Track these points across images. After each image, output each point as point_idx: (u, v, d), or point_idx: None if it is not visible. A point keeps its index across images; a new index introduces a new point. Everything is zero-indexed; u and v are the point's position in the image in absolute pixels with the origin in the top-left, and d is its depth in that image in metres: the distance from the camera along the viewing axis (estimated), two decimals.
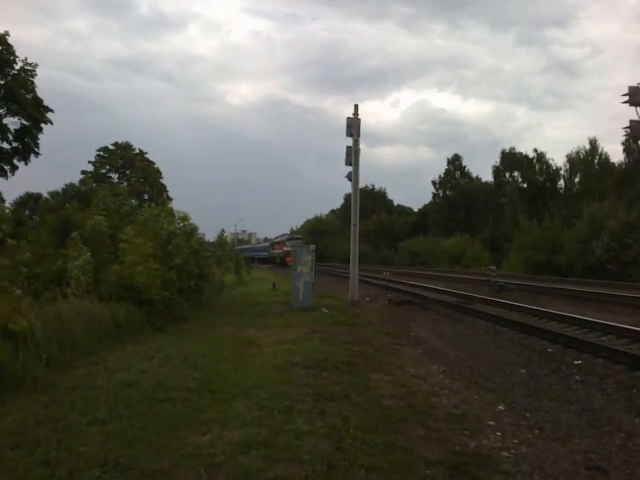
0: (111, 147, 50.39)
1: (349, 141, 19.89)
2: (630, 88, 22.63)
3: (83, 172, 48.63)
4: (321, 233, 76.69)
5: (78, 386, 6.99)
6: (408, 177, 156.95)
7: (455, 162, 73.05)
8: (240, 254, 40.13)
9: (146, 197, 43.98)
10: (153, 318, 12.06)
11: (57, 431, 5.24)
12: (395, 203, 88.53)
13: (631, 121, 22.94)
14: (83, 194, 30.96)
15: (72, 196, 31.79)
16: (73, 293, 10.55)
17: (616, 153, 54.62)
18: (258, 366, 8.23)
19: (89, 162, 49.30)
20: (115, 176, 50.33)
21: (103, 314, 10.28)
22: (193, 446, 4.84)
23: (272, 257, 66.53)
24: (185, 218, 16.95)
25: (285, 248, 53.53)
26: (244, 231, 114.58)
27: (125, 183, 46.93)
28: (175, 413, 5.84)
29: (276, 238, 74.43)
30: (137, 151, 51.23)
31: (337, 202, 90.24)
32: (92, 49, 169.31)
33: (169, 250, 13.95)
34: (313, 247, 18.96)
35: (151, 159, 51.74)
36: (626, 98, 22.72)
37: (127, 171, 50.54)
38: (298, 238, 59.89)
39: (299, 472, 4.30)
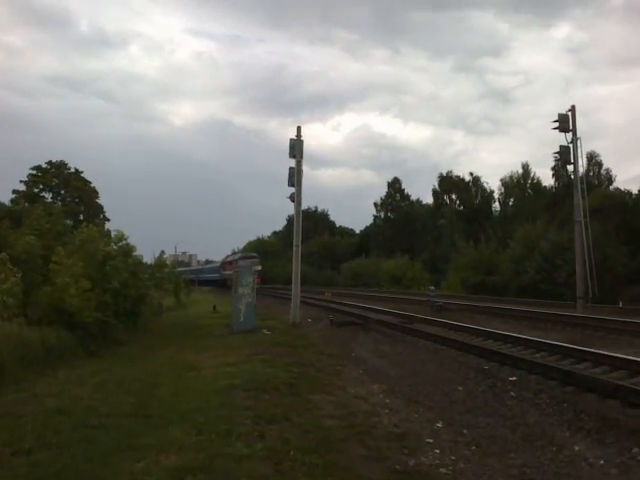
0: (45, 166, 48.64)
1: (292, 162, 20.04)
2: (560, 115, 23.88)
3: (15, 191, 46.65)
4: (263, 255, 76.26)
5: (4, 414, 6.63)
6: (350, 199, 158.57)
7: (395, 185, 74.60)
8: (180, 276, 39.13)
9: (82, 217, 42.60)
10: (87, 342, 11.63)
11: None
12: (337, 224, 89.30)
13: (560, 146, 24.15)
14: (15, 214, 29.68)
15: (3, 216, 30.39)
16: (1, 316, 10.04)
17: (547, 177, 57.13)
18: (197, 390, 8.03)
19: (21, 181, 47.39)
20: (49, 196, 48.53)
21: (33, 338, 9.85)
22: (127, 473, 4.65)
23: (223, 279, 57.78)
24: (121, 238, 16.51)
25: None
26: (184, 253, 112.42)
27: (60, 203, 45.27)
28: (108, 440, 5.60)
29: (227, 257, 66.94)
30: (72, 170, 49.63)
31: (280, 223, 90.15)
32: (27, 65, 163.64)
33: (106, 271, 13.50)
34: (258, 267, 18.81)
35: (88, 179, 50.23)
36: (556, 125, 23.94)
37: (62, 191, 48.84)
38: (253, 256, 52.00)
39: None
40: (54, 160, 49.36)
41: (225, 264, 60.23)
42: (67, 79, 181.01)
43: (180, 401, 7.25)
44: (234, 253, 69.50)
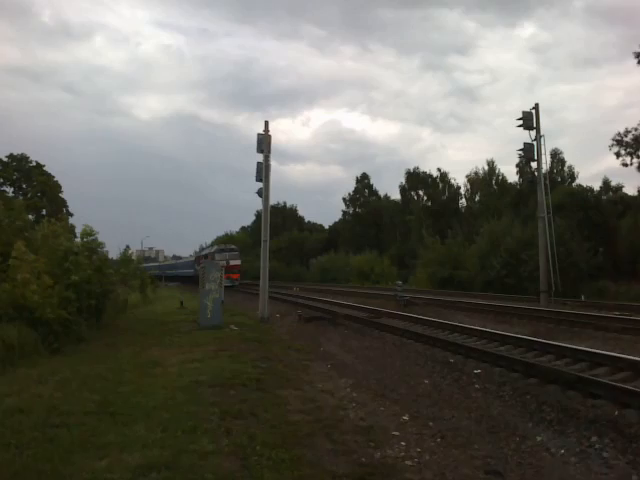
0: (5, 159, 47.38)
1: (260, 157, 19.90)
2: (524, 113, 24.26)
3: None
4: None
5: None
6: (319, 195, 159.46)
7: (364, 180, 75.09)
8: (145, 271, 38.46)
9: (44, 212, 41.64)
10: (49, 339, 11.32)
11: None
12: (306, 220, 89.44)
13: (525, 144, 24.56)
14: None
15: None
16: None
17: (511, 174, 58.24)
18: (162, 387, 7.91)
19: None
20: (10, 190, 47.31)
21: None
22: (89, 472, 4.56)
23: (198, 275, 50.83)
24: (90, 233, 16.16)
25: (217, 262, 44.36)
26: (151, 248, 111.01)
27: (21, 197, 44.16)
28: (70, 438, 5.48)
29: (202, 250, 63.06)
30: (34, 164, 48.47)
31: (248, 219, 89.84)
32: None
33: (66, 267, 13.19)
34: (237, 261, 18.58)
35: (51, 173, 49.14)
36: (520, 122, 24.34)
37: (23, 185, 47.69)
38: (232, 249, 49.03)
39: None
40: (15, 153, 48.15)
41: (200, 258, 54.57)
42: (29, 71, 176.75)
43: (145, 398, 7.14)
44: (210, 245, 65.47)
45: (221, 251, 48.03)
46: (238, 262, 46.63)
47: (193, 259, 60.35)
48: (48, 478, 4.44)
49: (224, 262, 41.43)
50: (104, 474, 4.50)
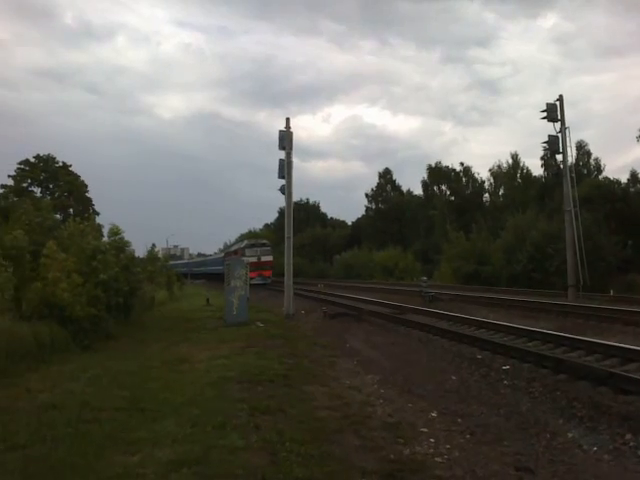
0: (32, 160, 48.21)
1: (282, 154, 19.97)
2: (548, 105, 23.91)
3: (3, 186, 46.25)
4: None
5: None
6: (341, 191, 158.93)
7: (386, 176, 74.69)
8: (171, 269, 38.74)
9: (71, 211, 42.34)
10: (79, 337, 11.56)
11: None
12: (329, 216, 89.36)
13: (549, 136, 24.20)
14: (3, 209, 29.44)
15: None
16: None
17: (536, 167, 57.37)
18: (190, 383, 8.01)
19: (9, 176, 46.97)
20: (38, 190, 48.14)
21: (25, 333, 9.76)
22: (121, 467, 4.62)
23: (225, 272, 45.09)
24: (117, 232, 16.43)
25: (247, 259, 37.12)
26: (176, 246, 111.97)
27: (49, 197, 44.93)
28: (102, 434, 5.57)
29: (231, 246, 60.18)
30: (60, 164, 49.24)
31: (271, 216, 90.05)
32: (12, 57, 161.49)
33: (94, 266, 13.41)
34: (269, 257, 18.50)
35: (76, 172, 49.86)
36: (544, 114, 23.98)
37: (51, 185, 48.48)
38: (263, 244, 45.65)
39: None
40: (42, 154, 48.93)
41: (229, 254, 50.98)
42: (52, 72, 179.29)
43: (174, 394, 7.23)
44: (239, 240, 62.33)
45: (251, 246, 44.97)
46: (270, 258, 43.65)
47: (222, 256, 56.60)
48: (82, 473, 4.52)
49: (255, 258, 40.90)
50: (136, 469, 4.56)
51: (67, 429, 5.72)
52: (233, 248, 53.91)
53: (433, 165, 64.98)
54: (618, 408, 6.32)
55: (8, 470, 4.57)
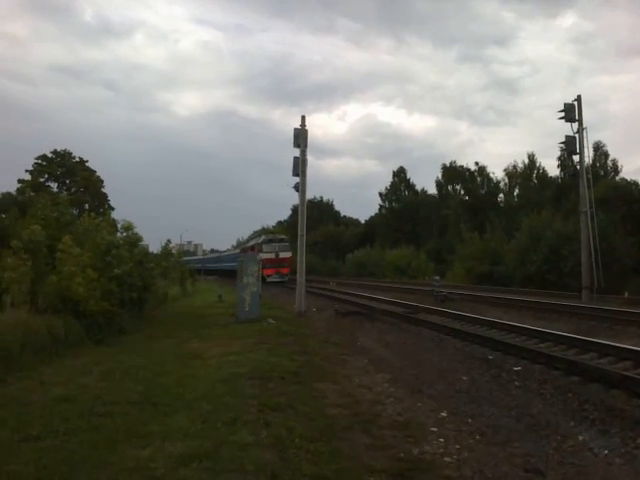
0: (50, 155, 48.72)
1: (296, 152, 19.99)
2: (565, 105, 23.70)
3: (20, 181, 46.80)
4: None
5: (11, 402, 6.70)
6: (355, 189, 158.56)
7: (400, 174, 74.32)
8: (185, 265, 38.78)
9: (87, 207, 42.72)
10: (93, 331, 11.69)
11: None
12: (342, 214, 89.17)
13: (566, 136, 24.00)
14: (21, 203, 29.80)
15: (9, 205, 30.54)
16: (11, 303, 10.14)
17: (552, 168, 56.78)
18: (202, 378, 8.07)
19: (26, 171, 47.51)
20: (54, 185, 48.66)
21: (39, 327, 9.89)
22: (133, 460, 4.68)
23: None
24: (129, 228, 16.56)
25: (262, 255, 36.28)
26: (190, 242, 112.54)
27: (65, 192, 45.37)
28: (114, 427, 5.64)
29: (248, 241, 57.30)
30: (77, 159, 49.70)
31: (285, 213, 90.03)
32: (30, 54, 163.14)
33: (108, 261, 13.54)
34: (288, 253, 18.25)
35: (92, 168, 50.32)
36: (562, 115, 23.77)
37: (67, 180, 48.96)
38: (281, 239, 43.25)
39: None
40: (59, 149, 49.43)
41: (246, 250, 48.51)
42: (71, 68, 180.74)
43: (185, 389, 7.30)
44: (257, 235, 59.04)
45: (269, 242, 42.36)
46: (288, 254, 40.48)
47: (237, 251, 54.75)
48: (94, 466, 4.58)
49: (273, 254, 39.67)
50: (148, 463, 4.61)
51: (80, 422, 5.81)
52: (250, 243, 51.72)
53: (447, 164, 64.68)
54: (631, 412, 6.27)
55: (23, 461, 4.64)
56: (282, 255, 40.36)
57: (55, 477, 4.29)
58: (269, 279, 36.88)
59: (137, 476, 4.31)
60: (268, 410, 6.26)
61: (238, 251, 53.48)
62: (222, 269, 58.99)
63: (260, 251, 39.33)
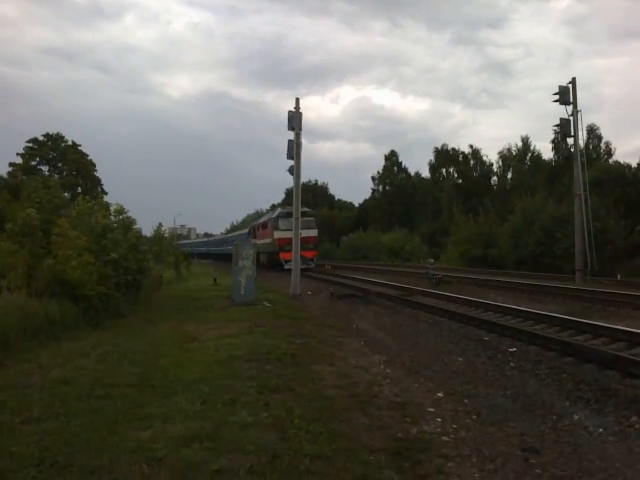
0: (41, 138, 48.27)
1: (291, 135, 19.91)
2: (560, 88, 23.65)
3: (11, 164, 46.39)
4: None
5: (10, 384, 6.72)
6: (349, 172, 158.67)
7: (392, 158, 74.20)
8: (178, 249, 38.61)
9: (79, 190, 42.47)
10: (89, 314, 11.69)
11: None
12: (336, 198, 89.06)
13: (561, 119, 23.98)
14: (12, 187, 29.57)
15: (1, 188, 30.29)
16: (8, 287, 10.13)
17: (546, 150, 56.85)
18: (200, 360, 8.11)
19: (17, 154, 47.09)
20: (46, 168, 48.30)
21: (36, 310, 9.88)
22: (134, 441, 4.72)
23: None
24: (121, 211, 16.49)
25: (277, 234, 32.28)
26: (183, 226, 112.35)
27: (57, 176, 45.03)
28: (114, 409, 5.67)
29: (259, 218, 47.67)
30: (69, 143, 49.28)
31: (278, 197, 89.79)
32: (21, 36, 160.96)
33: (104, 244, 13.50)
34: (314, 231, 16.97)
35: (85, 151, 49.93)
36: (556, 97, 23.74)
37: (59, 163, 48.60)
38: (304, 213, 27.02)
39: (244, 463, 4.26)
40: (51, 132, 48.99)
41: (256, 228, 41.83)
42: (62, 50, 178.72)
43: (184, 371, 7.33)
44: (271, 210, 50.93)
45: (286, 216, 31.32)
46: (314, 233, 33.47)
47: (246, 231, 49.27)
48: (96, 447, 4.61)
49: (292, 233, 29.39)
50: (148, 444, 4.65)
51: (80, 404, 5.83)
52: (262, 219, 43.46)
53: (439, 147, 64.60)
54: (624, 391, 6.35)
55: (24, 442, 4.67)
56: (306, 234, 28.97)
57: (58, 458, 4.32)
58: (287, 265, 28.02)
59: (139, 457, 4.35)
60: (267, 392, 6.31)
61: (247, 231, 48.48)
62: (228, 253, 53.07)
63: (276, 229, 33.13)
